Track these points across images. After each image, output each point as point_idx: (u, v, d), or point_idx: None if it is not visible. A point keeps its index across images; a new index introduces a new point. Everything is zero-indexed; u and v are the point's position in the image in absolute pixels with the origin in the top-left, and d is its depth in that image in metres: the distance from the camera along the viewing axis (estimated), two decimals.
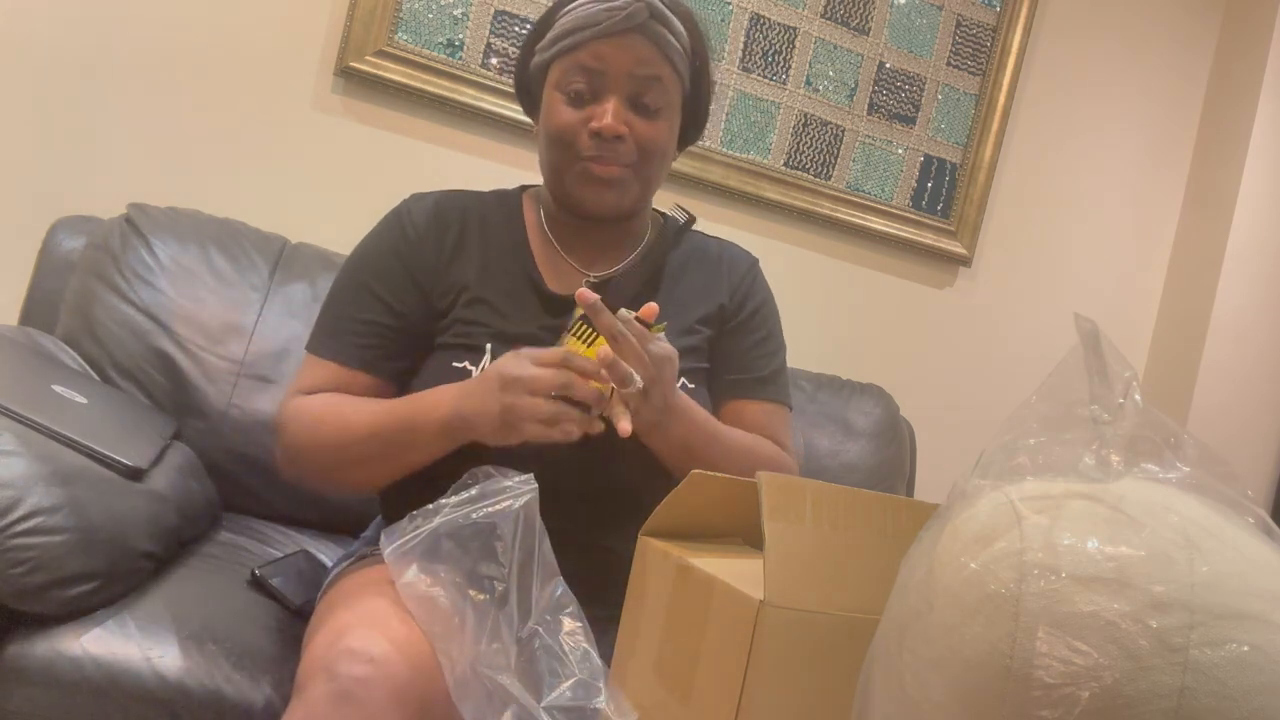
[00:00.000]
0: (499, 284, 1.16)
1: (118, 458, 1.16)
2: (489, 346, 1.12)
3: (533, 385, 0.95)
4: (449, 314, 1.15)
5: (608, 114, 1.10)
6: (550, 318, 1.15)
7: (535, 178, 1.30)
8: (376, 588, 0.97)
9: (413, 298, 1.15)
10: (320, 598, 1.11)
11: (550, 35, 1.14)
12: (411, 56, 1.86)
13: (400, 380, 1.16)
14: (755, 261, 1.32)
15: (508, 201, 1.25)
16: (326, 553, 1.46)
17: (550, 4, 1.18)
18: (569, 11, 1.13)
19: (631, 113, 1.12)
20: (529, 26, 1.21)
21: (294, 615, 1.20)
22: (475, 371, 1.10)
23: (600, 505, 1.09)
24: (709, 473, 0.83)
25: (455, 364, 1.11)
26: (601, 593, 0.98)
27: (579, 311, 0.99)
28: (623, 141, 1.11)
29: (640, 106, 1.13)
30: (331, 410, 1.09)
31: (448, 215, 1.19)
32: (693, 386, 1.17)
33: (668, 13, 1.13)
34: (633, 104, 1.13)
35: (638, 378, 0.96)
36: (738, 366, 1.22)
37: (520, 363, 0.97)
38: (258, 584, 1.24)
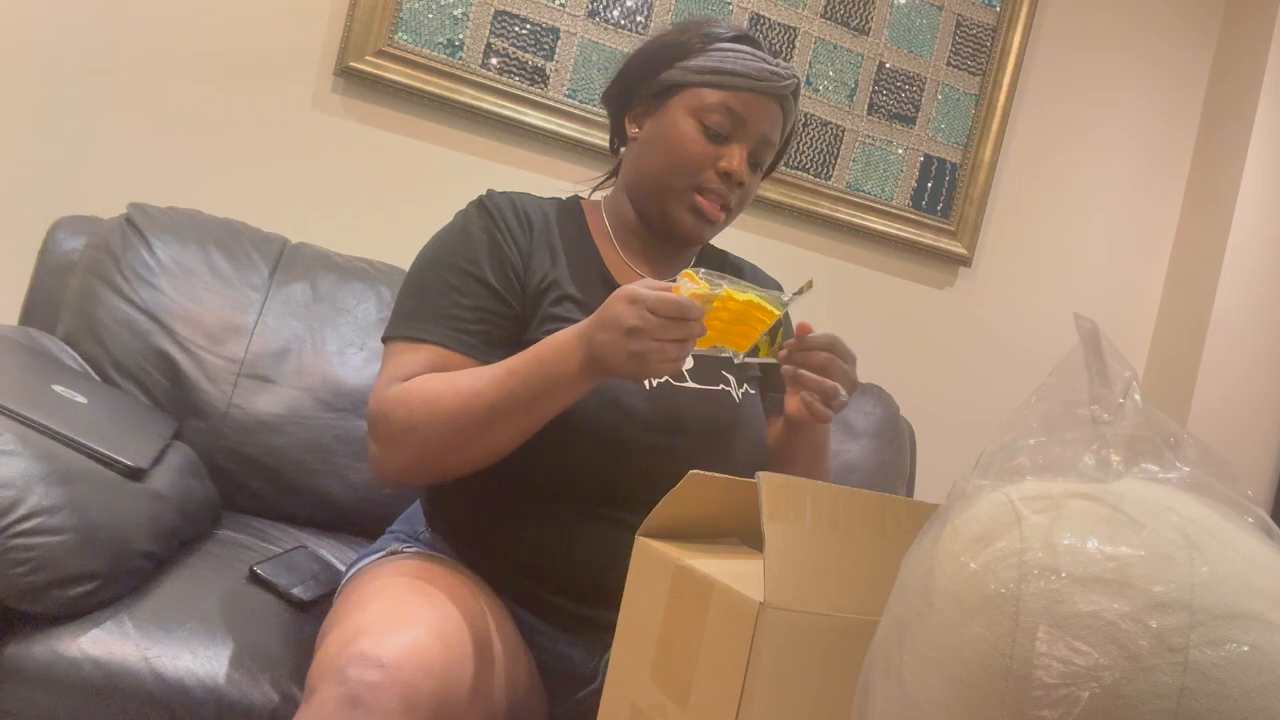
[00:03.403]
0: (580, 281, 1.17)
1: (118, 458, 1.16)
2: None
3: (656, 333, 0.96)
4: (540, 308, 1.14)
5: (737, 159, 1.17)
6: None
7: (537, 179, 1.30)
8: (396, 588, 0.97)
9: (512, 280, 1.14)
10: (338, 594, 1.10)
11: (704, 62, 1.17)
12: (411, 56, 1.86)
13: None
14: (781, 288, 1.36)
15: (569, 207, 1.27)
16: (327, 549, 1.46)
17: (697, 21, 1.22)
18: (727, 49, 1.18)
19: (747, 165, 1.19)
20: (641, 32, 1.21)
21: (295, 610, 1.20)
22: None
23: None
24: (708, 473, 0.82)
25: None
26: None
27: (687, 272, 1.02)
28: (741, 187, 1.19)
29: (754, 162, 1.20)
30: (445, 383, 1.04)
31: (526, 209, 1.20)
32: (753, 393, 1.24)
33: (799, 94, 1.24)
34: (750, 157, 1.20)
35: (843, 392, 1.09)
36: (780, 385, 1.25)
37: (639, 312, 0.95)
38: (257, 581, 1.24)
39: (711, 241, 1.34)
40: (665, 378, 1.15)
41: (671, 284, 0.99)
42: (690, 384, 1.17)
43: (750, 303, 1.01)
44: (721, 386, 1.19)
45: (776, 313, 1.04)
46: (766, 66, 1.18)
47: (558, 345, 1.01)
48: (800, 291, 1.08)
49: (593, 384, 1.01)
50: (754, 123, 1.17)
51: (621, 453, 1.09)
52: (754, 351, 1.09)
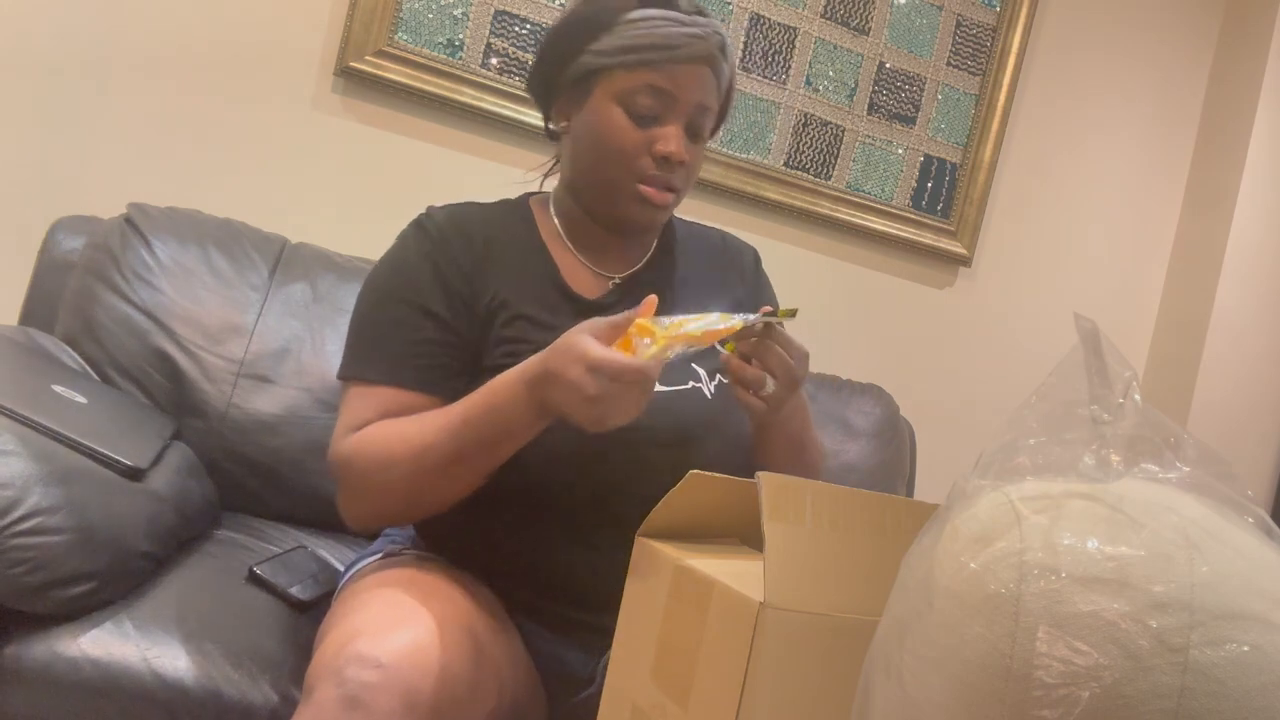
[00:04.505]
0: (531, 294, 1.13)
1: (117, 458, 1.16)
2: None
3: (617, 398, 0.92)
4: (492, 330, 1.11)
5: (673, 140, 1.10)
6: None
7: (536, 179, 1.29)
8: (394, 589, 0.97)
9: (458, 305, 1.10)
10: (336, 595, 1.10)
11: (614, 42, 1.09)
12: (411, 56, 1.86)
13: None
14: (757, 254, 1.33)
15: (518, 210, 1.21)
16: (326, 549, 1.46)
17: (598, 3, 1.13)
18: (637, 23, 1.09)
19: (687, 139, 1.13)
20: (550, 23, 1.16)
21: (294, 611, 1.20)
22: None
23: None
24: (707, 473, 0.82)
25: None
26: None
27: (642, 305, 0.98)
28: (682, 166, 1.12)
29: (694, 133, 1.14)
30: (398, 436, 1.02)
31: (467, 225, 1.15)
32: (726, 381, 1.17)
33: (728, 47, 1.15)
34: (689, 130, 1.13)
35: (770, 382, 1.01)
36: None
37: (599, 382, 0.91)
38: (256, 581, 1.24)
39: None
40: None
41: (640, 311, 0.96)
42: (658, 387, 1.11)
43: (708, 333, 0.97)
44: (691, 384, 1.15)
45: (737, 324, 0.99)
46: (684, 30, 1.09)
47: (510, 395, 0.98)
48: (773, 314, 1.03)
49: (546, 423, 0.99)
50: (684, 95, 1.10)
51: (591, 468, 1.07)
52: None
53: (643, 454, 1.08)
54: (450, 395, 1.06)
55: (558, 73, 1.14)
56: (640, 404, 0.94)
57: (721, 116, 1.21)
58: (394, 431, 1.03)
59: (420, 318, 1.09)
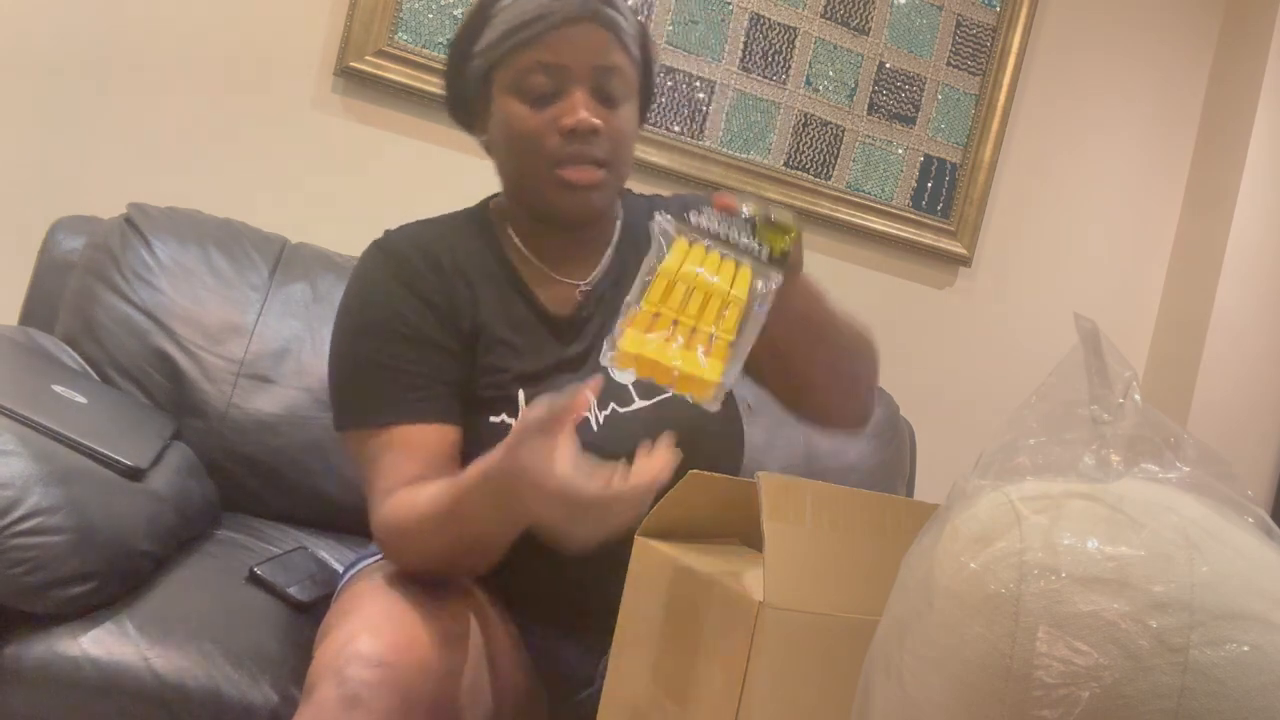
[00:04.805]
0: (504, 315, 1.08)
1: (117, 458, 1.16)
2: (520, 394, 1.05)
3: (606, 522, 0.82)
4: (475, 357, 1.06)
5: (578, 108, 1.01)
6: (560, 344, 1.10)
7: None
8: (394, 588, 0.96)
9: (446, 324, 1.05)
10: (337, 595, 1.10)
11: (492, 34, 1.04)
12: (411, 56, 1.86)
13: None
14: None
15: (479, 220, 1.15)
16: (326, 550, 1.46)
17: (476, 3, 1.07)
18: (508, 6, 1.03)
19: (597, 105, 1.03)
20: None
21: (294, 611, 1.20)
22: (512, 422, 1.02)
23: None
24: (707, 473, 0.82)
25: (493, 419, 1.05)
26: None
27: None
28: (598, 135, 1.02)
29: (605, 98, 1.04)
30: (415, 516, 0.96)
31: (430, 244, 1.09)
32: None
33: None
34: (597, 96, 1.04)
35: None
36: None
37: (583, 520, 0.82)
38: (256, 582, 1.24)
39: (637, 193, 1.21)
40: (610, 406, 1.06)
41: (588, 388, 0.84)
42: (638, 404, 1.07)
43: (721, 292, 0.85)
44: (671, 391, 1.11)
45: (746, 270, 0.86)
46: None
47: (487, 505, 0.89)
48: (777, 253, 0.88)
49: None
50: (573, 61, 1.02)
51: None
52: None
53: None
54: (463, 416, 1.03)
55: (461, 88, 1.11)
56: (639, 506, 0.81)
57: (645, 71, 1.11)
58: (417, 514, 0.95)
59: (405, 345, 1.03)
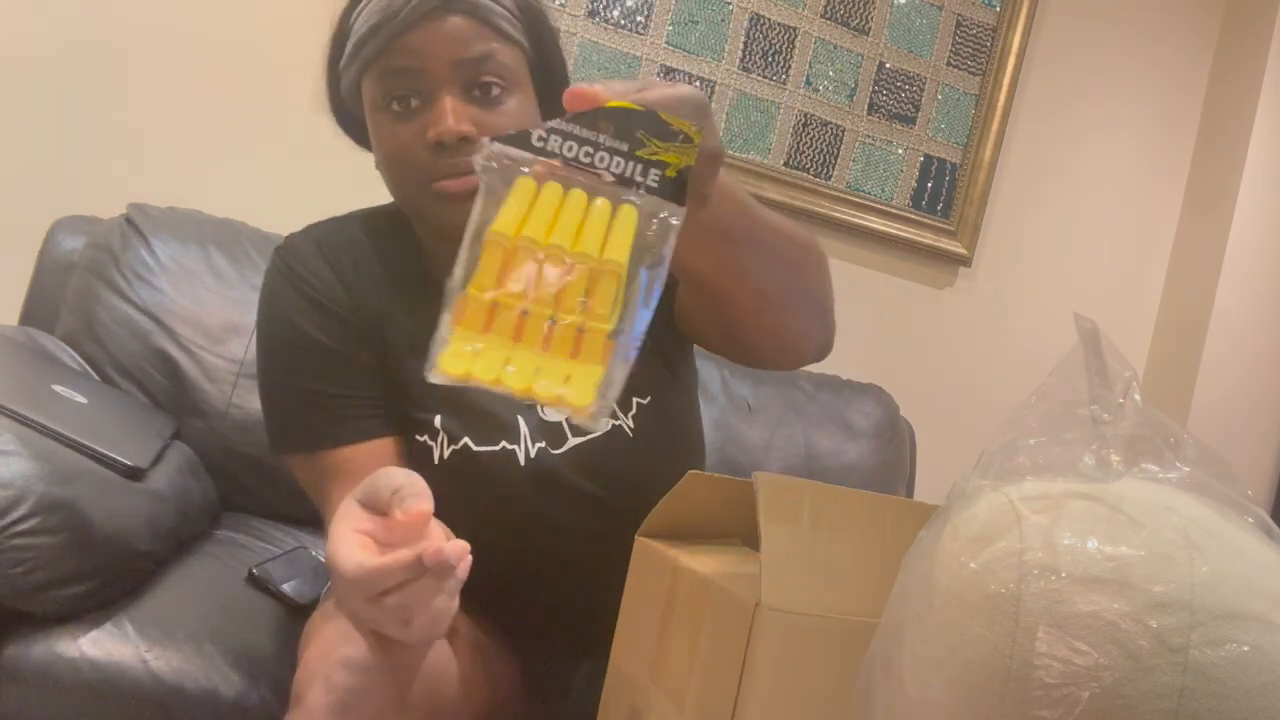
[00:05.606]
0: (415, 325, 0.99)
1: (117, 458, 1.16)
2: (439, 420, 0.98)
3: (410, 606, 0.68)
4: (384, 366, 0.99)
5: (446, 116, 0.90)
6: None
7: None
8: None
9: (343, 328, 0.99)
10: (322, 597, 1.10)
11: (351, 48, 0.95)
12: None
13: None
14: None
15: (397, 217, 1.06)
16: (324, 551, 1.45)
17: (340, 13, 0.98)
18: (360, 13, 0.94)
19: (473, 106, 0.92)
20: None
21: (294, 613, 1.20)
22: (438, 451, 0.98)
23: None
24: (706, 473, 0.82)
25: (419, 437, 0.99)
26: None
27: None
28: (471, 143, 0.90)
29: (481, 95, 0.93)
30: None
31: (334, 249, 1.02)
32: (646, 401, 1.02)
33: None
34: (469, 95, 0.93)
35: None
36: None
37: (364, 603, 0.69)
38: (256, 582, 1.24)
39: None
40: (542, 444, 0.99)
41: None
42: (570, 441, 0.99)
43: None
44: (610, 423, 1.00)
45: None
46: None
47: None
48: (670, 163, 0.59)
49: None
50: (434, 61, 0.91)
51: (523, 543, 0.99)
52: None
53: (567, 521, 0.99)
54: (393, 429, 0.97)
55: (339, 108, 1.04)
56: (451, 606, 0.69)
57: (540, 51, 0.98)
58: None
59: (313, 366, 0.97)
